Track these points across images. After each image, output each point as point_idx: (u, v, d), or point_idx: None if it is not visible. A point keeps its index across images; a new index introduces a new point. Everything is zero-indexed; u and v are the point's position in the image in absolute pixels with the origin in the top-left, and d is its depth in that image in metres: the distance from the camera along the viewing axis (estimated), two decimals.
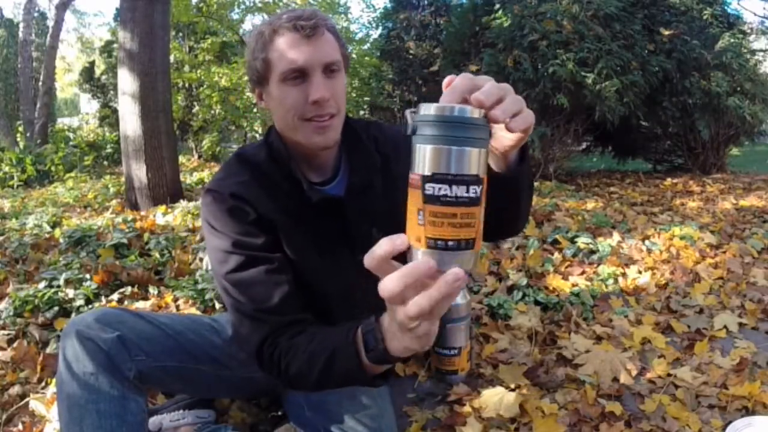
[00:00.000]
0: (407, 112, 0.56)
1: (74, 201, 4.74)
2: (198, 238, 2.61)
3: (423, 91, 7.12)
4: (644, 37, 5.06)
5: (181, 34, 9.30)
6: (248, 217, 0.95)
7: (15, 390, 1.46)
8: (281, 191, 0.98)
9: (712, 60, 5.12)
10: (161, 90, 3.97)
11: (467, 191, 0.51)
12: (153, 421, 1.26)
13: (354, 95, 7.95)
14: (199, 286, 1.91)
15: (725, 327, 1.76)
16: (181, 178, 4.55)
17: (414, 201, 0.52)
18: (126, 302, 1.94)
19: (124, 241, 2.49)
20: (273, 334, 0.88)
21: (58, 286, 1.95)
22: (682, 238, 2.59)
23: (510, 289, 2.01)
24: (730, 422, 1.23)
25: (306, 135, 0.94)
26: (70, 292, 1.91)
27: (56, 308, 1.84)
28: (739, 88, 5.21)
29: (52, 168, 7.27)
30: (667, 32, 5.10)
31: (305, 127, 0.93)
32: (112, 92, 11.09)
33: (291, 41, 0.90)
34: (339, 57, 0.94)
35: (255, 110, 8.17)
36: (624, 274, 2.21)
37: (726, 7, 5.79)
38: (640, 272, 2.22)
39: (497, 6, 5.16)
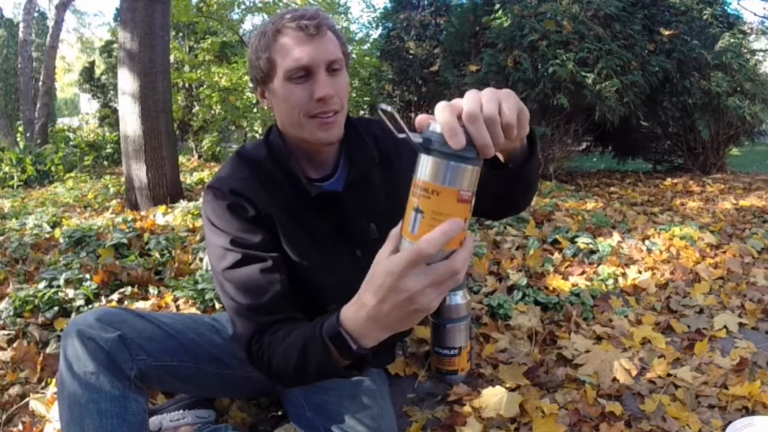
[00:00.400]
0: (382, 109, 0.61)
1: (74, 201, 4.74)
2: (198, 238, 2.61)
3: (423, 91, 7.12)
4: (644, 37, 5.06)
5: (181, 34, 9.30)
6: (247, 214, 0.97)
7: (15, 390, 1.46)
8: (280, 188, 1.01)
9: (712, 60, 5.12)
10: (161, 90, 3.97)
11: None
12: (153, 420, 1.26)
13: (354, 95, 7.95)
14: (199, 286, 1.91)
15: (725, 327, 1.76)
16: (181, 178, 4.55)
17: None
18: (126, 302, 1.94)
19: (124, 241, 2.49)
20: (260, 331, 0.91)
21: (58, 286, 1.95)
22: (682, 238, 2.59)
23: (510, 289, 2.01)
24: (730, 422, 1.23)
25: (311, 131, 0.96)
26: (70, 292, 1.92)
27: (56, 308, 1.84)
28: (739, 88, 5.21)
29: (52, 168, 7.27)
30: (667, 32, 5.10)
31: (310, 124, 0.95)
32: (112, 92, 11.11)
33: (295, 40, 0.92)
34: (341, 55, 0.96)
35: (255, 110, 8.17)
36: (624, 274, 2.21)
37: (726, 7, 5.78)
38: (640, 272, 2.22)
39: (497, 6, 5.16)
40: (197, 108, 8.87)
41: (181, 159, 7.59)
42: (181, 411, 1.27)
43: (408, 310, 0.60)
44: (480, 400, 1.34)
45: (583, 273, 2.22)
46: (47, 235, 2.88)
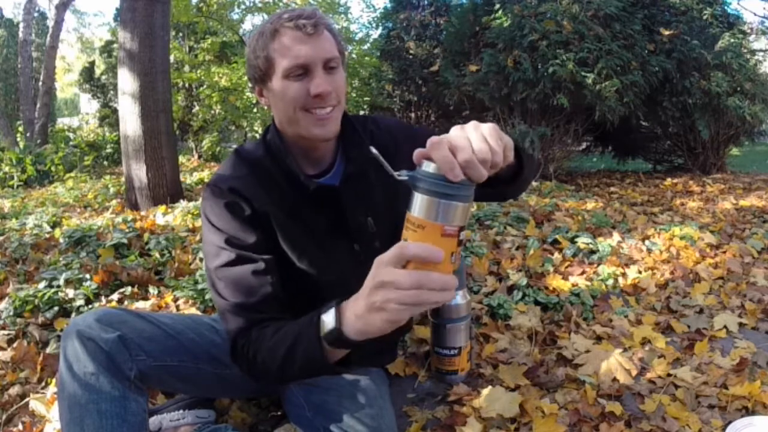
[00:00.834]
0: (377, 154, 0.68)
1: (74, 201, 4.74)
2: (198, 238, 2.61)
3: (423, 91, 7.12)
4: (644, 37, 5.06)
5: (181, 34, 9.30)
6: (244, 213, 0.98)
7: (15, 390, 1.46)
8: (279, 185, 1.03)
9: (712, 60, 5.12)
10: (161, 90, 3.97)
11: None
12: (153, 421, 1.26)
13: (354, 95, 7.93)
14: (199, 286, 1.91)
15: (725, 327, 1.76)
16: (181, 178, 4.55)
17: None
18: (126, 302, 1.94)
19: (124, 241, 2.49)
20: (248, 327, 0.93)
21: (58, 286, 1.95)
22: (682, 238, 2.59)
23: (510, 289, 2.01)
24: (730, 422, 1.23)
25: (307, 126, 0.98)
26: (70, 292, 1.92)
27: (56, 308, 1.84)
28: (739, 88, 5.21)
29: (52, 168, 7.26)
30: (667, 32, 5.11)
31: (306, 119, 0.97)
32: (112, 92, 11.10)
33: (293, 39, 0.94)
34: (338, 54, 0.98)
35: (255, 110, 8.16)
36: (624, 274, 2.21)
37: (726, 7, 5.79)
38: (640, 272, 2.22)
39: (497, 6, 5.16)
40: (197, 108, 8.86)
41: (181, 159, 7.59)
42: (181, 411, 1.27)
43: (385, 297, 0.65)
44: (480, 400, 1.34)
45: (583, 273, 2.22)
46: (47, 235, 2.87)
